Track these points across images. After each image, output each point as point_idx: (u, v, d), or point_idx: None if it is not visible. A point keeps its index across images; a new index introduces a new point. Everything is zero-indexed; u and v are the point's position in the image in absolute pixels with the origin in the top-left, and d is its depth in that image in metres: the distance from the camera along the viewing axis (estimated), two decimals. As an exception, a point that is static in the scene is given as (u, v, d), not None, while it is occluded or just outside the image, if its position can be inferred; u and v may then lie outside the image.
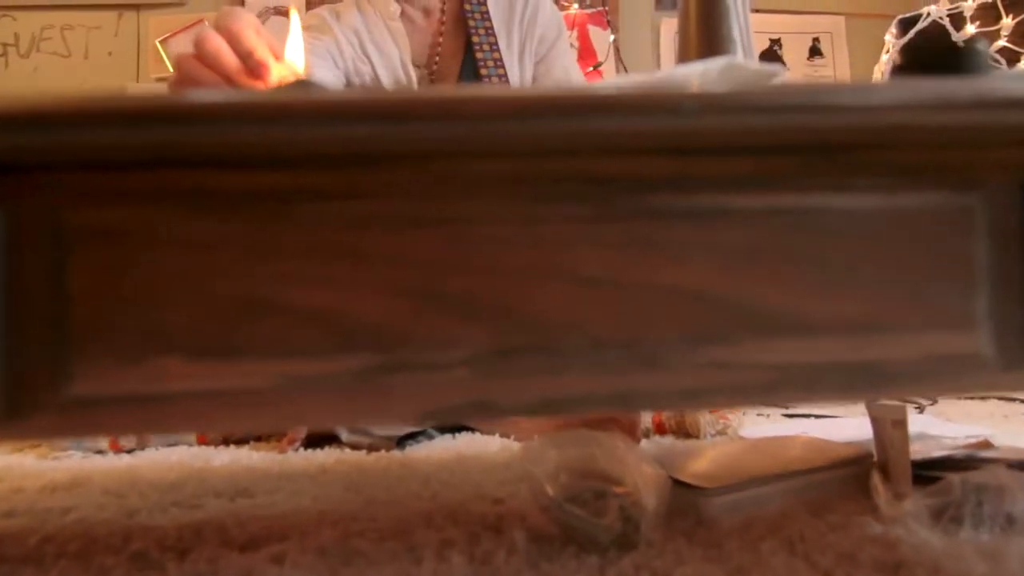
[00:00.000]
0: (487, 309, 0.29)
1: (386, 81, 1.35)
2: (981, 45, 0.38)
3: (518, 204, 0.29)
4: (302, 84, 0.28)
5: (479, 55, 1.40)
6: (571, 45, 2.00)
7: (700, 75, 0.42)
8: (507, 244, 0.29)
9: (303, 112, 0.26)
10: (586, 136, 0.27)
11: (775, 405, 0.42)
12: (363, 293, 0.28)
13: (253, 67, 0.69)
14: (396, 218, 0.28)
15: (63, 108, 0.26)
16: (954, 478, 0.53)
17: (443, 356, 0.28)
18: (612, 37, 2.13)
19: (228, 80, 0.70)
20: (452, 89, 0.28)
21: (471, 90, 0.26)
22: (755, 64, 0.43)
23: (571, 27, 2.14)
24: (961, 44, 0.31)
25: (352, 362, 0.28)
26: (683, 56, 0.58)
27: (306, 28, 1.25)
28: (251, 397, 0.28)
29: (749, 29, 0.57)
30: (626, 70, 2.07)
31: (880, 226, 0.30)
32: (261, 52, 0.70)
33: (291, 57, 0.71)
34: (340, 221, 0.28)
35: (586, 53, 2.14)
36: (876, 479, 0.57)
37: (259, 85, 0.70)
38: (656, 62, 2.23)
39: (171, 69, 2.18)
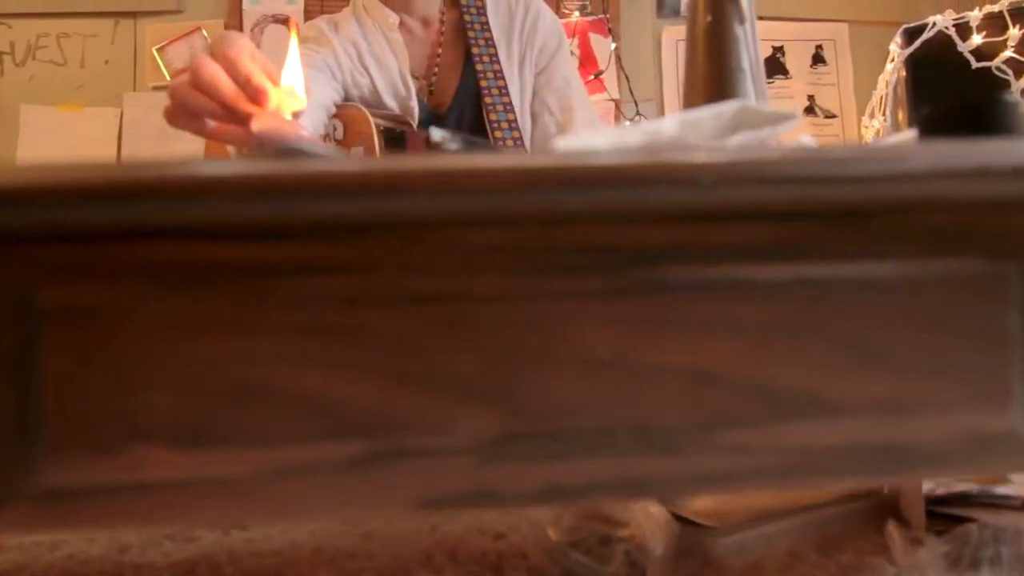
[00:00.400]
0: (488, 392, 0.27)
1: (385, 93, 1.33)
2: (1011, 97, 0.36)
3: (521, 278, 0.27)
4: (291, 150, 0.27)
5: (479, 66, 1.38)
6: (572, 53, 1.98)
7: (712, 119, 0.40)
8: (510, 321, 0.27)
9: (290, 188, 0.24)
10: (594, 210, 0.25)
11: (796, 489, 0.40)
12: (356, 375, 0.26)
13: (251, 93, 0.67)
14: (390, 294, 0.26)
15: (32, 184, 0.24)
16: (971, 526, 0.51)
17: (442, 442, 0.27)
18: (613, 45, 2.11)
19: (225, 107, 0.68)
20: (450, 159, 0.26)
21: (470, 161, 0.25)
22: (769, 108, 0.41)
23: (572, 35, 2.12)
24: (1000, 99, 0.29)
25: (345, 449, 0.26)
26: (689, 85, 0.56)
27: (303, 40, 1.23)
28: (237, 487, 0.26)
29: (759, 59, 0.56)
30: (627, 79, 2.06)
31: (908, 296, 0.28)
32: (258, 78, 0.68)
33: (289, 82, 0.69)
34: (330, 297, 0.26)
35: (587, 61, 2.12)
36: (891, 526, 0.55)
37: (257, 111, 0.68)
38: (657, 70, 2.22)
39: (167, 77, 2.16)
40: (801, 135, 0.40)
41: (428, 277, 0.27)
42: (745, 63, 0.55)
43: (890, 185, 0.25)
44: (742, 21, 0.55)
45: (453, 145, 0.45)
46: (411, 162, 0.25)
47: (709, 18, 0.55)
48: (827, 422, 0.28)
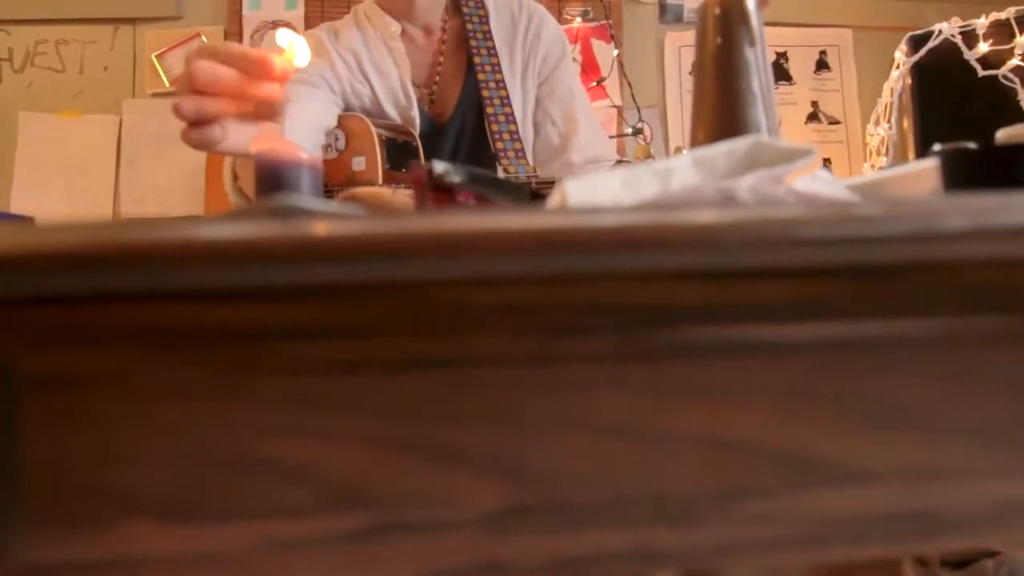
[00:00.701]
0: (494, 461, 0.25)
1: (385, 102, 1.31)
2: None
3: (529, 340, 0.25)
4: (286, 208, 0.25)
5: (481, 76, 1.36)
6: (574, 59, 1.97)
7: (725, 157, 0.39)
8: (517, 387, 0.25)
9: (283, 254, 0.22)
10: (608, 274, 0.24)
11: (820, 560, 0.38)
12: (355, 445, 0.25)
13: (253, 67, 0.65)
14: (391, 359, 0.25)
15: (12, 250, 0.22)
16: (987, 563, 0.50)
17: (446, 514, 0.25)
18: (616, 51, 2.09)
19: (235, 95, 0.67)
20: (455, 220, 0.25)
21: (478, 221, 0.23)
22: (784, 144, 0.40)
23: (574, 41, 2.11)
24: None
25: (344, 522, 0.25)
26: (697, 109, 0.55)
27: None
28: (232, 562, 0.25)
29: (770, 82, 0.54)
30: (630, 85, 2.04)
31: (939, 356, 0.27)
32: (253, 52, 0.67)
33: (286, 42, 0.67)
34: (327, 363, 0.25)
35: (589, 67, 2.11)
36: (906, 563, 0.53)
37: (267, 87, 0.66)
38: (660, 76, 2.20)
39: (167, 84, 2.15)
40: (818, 169, 0.39)
41: (430, 340, 0.25)
42: (755, 86, 0.53)
43: (923, 245, 0.24)
44: (752, 44, 0.54)
45: (456, 178, 0.44)
46: (412, 223, 0.23)
47: (719, 40, 0.54)
48: (852, 489, 0.26)
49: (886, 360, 0.27)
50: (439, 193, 0.45)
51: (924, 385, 0.27)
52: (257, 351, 0.25)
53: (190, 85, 0.66)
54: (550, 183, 1.02)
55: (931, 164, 0.46)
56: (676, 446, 0.26)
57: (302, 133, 1.17)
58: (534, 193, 0.49)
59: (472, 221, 0.23)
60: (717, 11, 0.54)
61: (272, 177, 0.60)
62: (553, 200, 0.35)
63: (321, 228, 0.23)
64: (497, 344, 0.25)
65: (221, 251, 0.22)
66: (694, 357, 0.26)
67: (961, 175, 0.30)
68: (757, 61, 0.53)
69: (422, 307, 0.25)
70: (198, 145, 0.69)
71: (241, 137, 0.70)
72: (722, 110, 0.53)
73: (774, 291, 0.26)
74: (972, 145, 0.31)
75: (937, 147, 0.31)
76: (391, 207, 0.62)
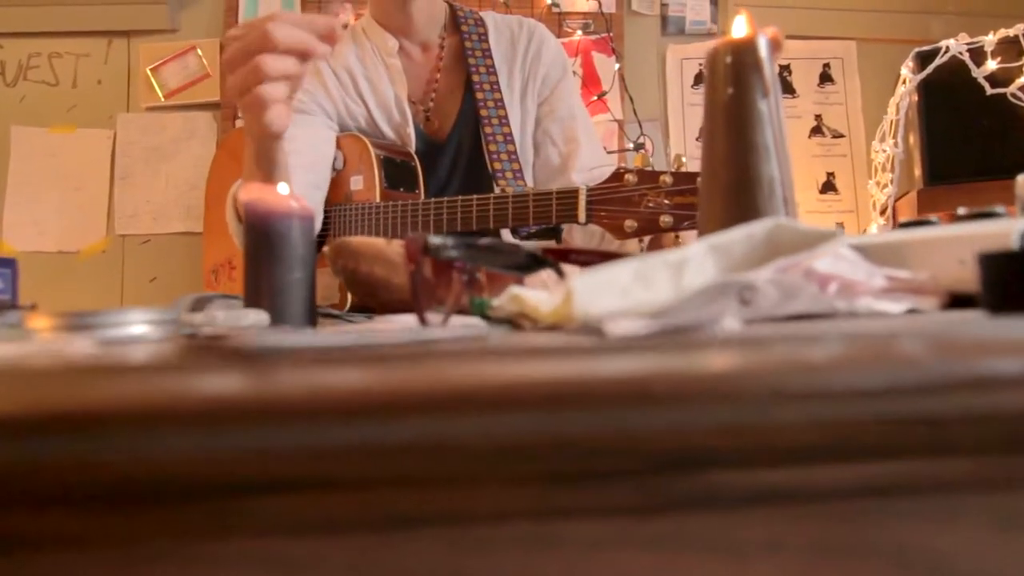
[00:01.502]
0: (494, 631, 0.22)
1: (381, 121, 1.29)
2: None
3: (530, 492, 0.23)
4: (262, 349, 0.22)
5: (479, 94, 1.34)
6: (574, 73, 1.94)
7: (743, 243, 0.36)
8: (517, 548, 0.23)
9: (256, 417, 0.20)
10: (618, 428, 0.21)
11: None
12: (337, 614, 0.22)
13: (323, 32, 0.73)
14: (378, 516, 0.22)
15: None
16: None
17: None
18: (617, 65, 2.07)
19: (303, 56, 0.73)
20: (450, 371, 0.22)
21: (474, 373, 0.20)
22: (805, 226, 0.37)
23: (575, 54, 2.08)
24: None
25: None
26: (707, 163, 0.52)
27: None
28: None
29: (784, 133, 0.51)
30: (631, 99, 2.01)
31: (978, 500, 0.24)
32: (321, 18, 0.76)
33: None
34: (301, 522, 0.22)
35: (590, 80, 2.08)
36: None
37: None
38: (662, 90, 2.17)
39: (161, 98, 2.12)
40: (839, 245, 0.36)
41: (420, 494, 0.22)
42: (769, 139, 0.50)
43: (973, 394, 0.21)
44: (766, 94, 0.51)
45: (454, 252, 0.41)
46: (402, 375, 0.20)
47: (730, 90, 0.51)
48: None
49: (929, 505, 0.24)
50: (435, 260, 0.43)
51: (967, 532, 0.24)
52: (223, 509, 0.22)
53: (260, 46, 0.71)
54: (547, 194, 1.00)
55: (954, 232, 0.43)
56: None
57: (308, 168, 1.15)
58: (534, 257, 0.46)
59: (467, 373, 0.20)
60: (728, 59, 0.51)
61: (262, 229, 0.57)
62: (557, 297, 0.33)
63: (298, 384, 0.20)
64: (493, 498, 0.22)
65: (186, 413, 0.20)
66: (719, 508, 0.23)
67: (1004, 280, 0.28)
68: (771, 112, 0.51)
69: (409, 460, 0.22)
70: (264, 99, 0.73)
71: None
72: (733, 164, 0.50)
73: (803, 435, 0.23)
74: (1016, 248, 0.28)
75: (981, 253, 0.28)
76: (385, 258, 0.59)
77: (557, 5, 2.08)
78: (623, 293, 0.31)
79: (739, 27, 0.52)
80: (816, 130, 2.19)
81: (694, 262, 0.33)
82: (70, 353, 0.29)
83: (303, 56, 0.74)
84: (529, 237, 1.16)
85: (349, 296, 1.08)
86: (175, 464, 0.21)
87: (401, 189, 1.26)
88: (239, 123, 2.07)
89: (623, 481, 0.23)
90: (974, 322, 0.28)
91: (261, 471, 0.21)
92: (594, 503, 0.23)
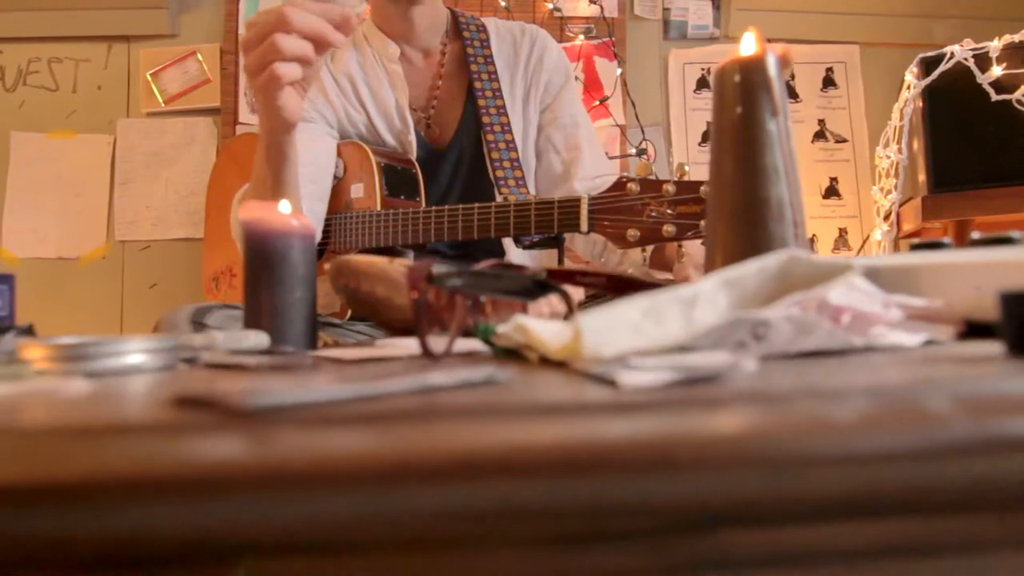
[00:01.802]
0: None
1: (381, 128, 1.28)
2: None
3: (537, 555, 0.22)
4: (259, 408, 0.21)
5: (481, 101, 1.32)
6: (576, 78, 1.93)
7: (756, 276, 0.35)
8: (529, 612, 0.22)
9: (255, 485, 0.19)
10: (631, 493, 0.20)
11: None
12: None
13: (338, 21, 0.75)
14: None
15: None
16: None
17: None
18: (619, 70, 2.05)
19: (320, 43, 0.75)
20: (454, 438, 0.21)
21: (478, 439, 0.19)
22: (818, 259, 0.36)
23: (577, 59, 2.07)
24: None
25: None
26: (715, 184, 0.51)
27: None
28: None
29: (793, 154, 0.50)
30: (633, 104, 2.00)
31: (1004, 560, 0.23)
32: (337, 7, 0.77)
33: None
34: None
35: (592, 85, 2.07)
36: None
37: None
38: (664, 94, 2.16)
39: (162, 103, 2.11)
40: (855, 278, 0.35)
41: (431, 559, 0.21)
42: (778, 161, 0.49)
43: (1000, 456, 0.20)
44: (775, 114, 0.50)
45: (457, 282, 0.40)
46: (402, 443, 0.19)
47: (739, 110, 0.50)
48: None
49: (950, 565, 0.23)
50: (438, 288, 0.42)
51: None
52: (220, 573, 0.21)
53: (276, 28, 0.73)
54: (548, 203, 0.99)
55: (970, 258, 0.42)
56: None
57: (310, 179, 1.14)
58: (538, 283, 0.45)
59: (474, 438, 0.19)
60: (737, 78, 0.50)
61: (261, 250, 0.56)
62: (566, 335, 0.32)
63: (298, 453, 0.19)
64: (498, 561, 0.22)
65: (180, 483, 0.19)
66: (736, 570, 0.22)
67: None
68: (780, 133, 0.50)
69: (415, 526, 0.21)
70: (278, 76, 0.75)
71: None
72: (742, 186, 0.49)
73: (828, 498, 0.22)
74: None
75: (1003, 293, 0.27)
76: (386, 278, 0.58)
77: (559, 9, 2.07)
78: (635, 330, 0.30)
79: (748, 45, 0.51)
80: (819, 135, 2.18)
81: (706, 297, 0.32)
82: (63, 397, 0.28)
83: (318, 42, 0.75)
84: (531, 246, 1.15)
85: (350, 306, 1.07)
86: (169, 534, 0.20)
87: (402, 197, 1.25)
88: (240, 128, 2.06)
89: (638, 543, 0.22)
90: (997, 368, 0.27)
91: (262, 539, 0.20)
92: (607, 566, 0.22)
